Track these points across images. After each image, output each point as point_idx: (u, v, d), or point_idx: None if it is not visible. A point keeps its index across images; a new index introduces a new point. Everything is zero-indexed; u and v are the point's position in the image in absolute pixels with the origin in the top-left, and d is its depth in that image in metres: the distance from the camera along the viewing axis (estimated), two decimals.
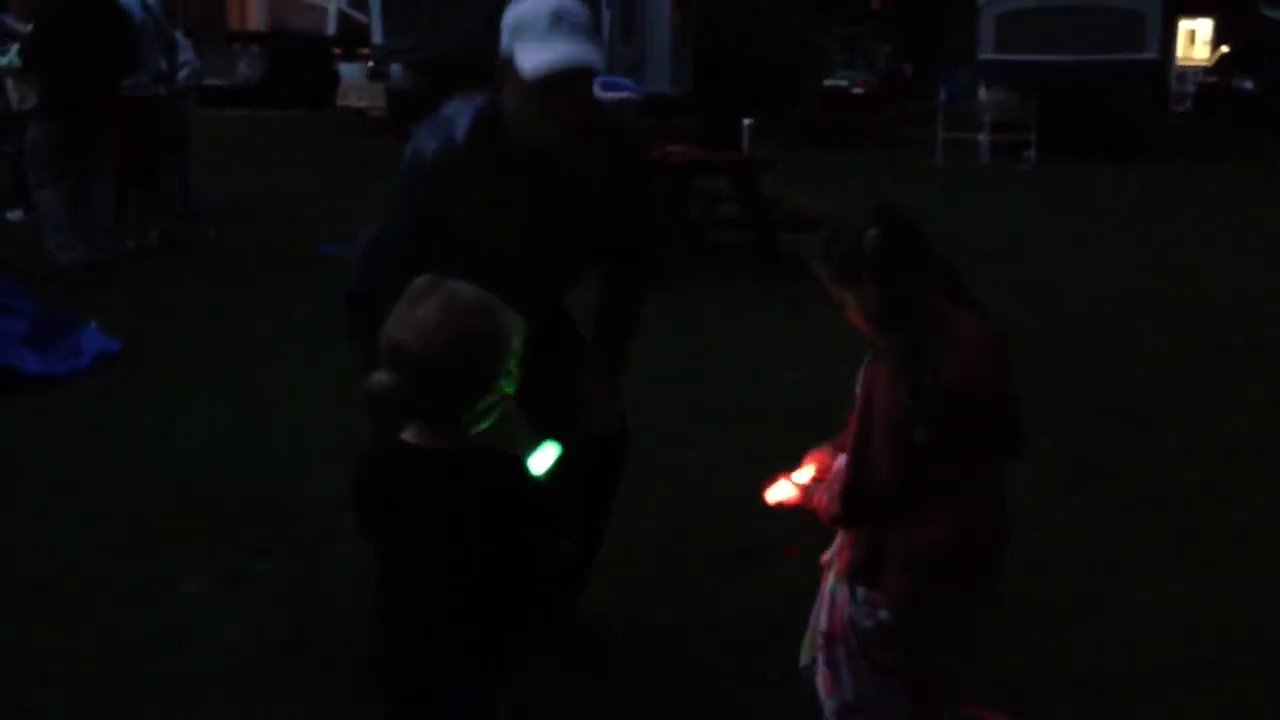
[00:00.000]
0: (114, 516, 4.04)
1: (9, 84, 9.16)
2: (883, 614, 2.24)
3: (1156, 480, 4.52)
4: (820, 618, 2.38)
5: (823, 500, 2.28)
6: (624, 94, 16.36)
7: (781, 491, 2.42)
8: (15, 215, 9.28)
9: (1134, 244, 9.88)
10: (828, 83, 19.09)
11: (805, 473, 2.41)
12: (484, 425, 2.02)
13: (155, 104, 8.45)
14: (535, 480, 2.11)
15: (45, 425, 5.00)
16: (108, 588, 3.55)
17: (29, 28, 8.49)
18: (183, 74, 9.01)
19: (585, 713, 2.98)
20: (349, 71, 20.09)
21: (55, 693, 3.00)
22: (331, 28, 22.32)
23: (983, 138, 15.97)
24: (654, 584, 3.60)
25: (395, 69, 16.99)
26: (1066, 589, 3.63)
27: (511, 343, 2.01)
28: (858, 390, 2.24)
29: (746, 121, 9.11)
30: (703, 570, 3.74)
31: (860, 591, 2.27)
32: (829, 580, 2.37)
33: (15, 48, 9.04)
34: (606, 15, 15.35)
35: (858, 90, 19.00)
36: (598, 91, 3.24)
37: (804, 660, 2.45)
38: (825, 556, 2.39)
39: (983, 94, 16.59)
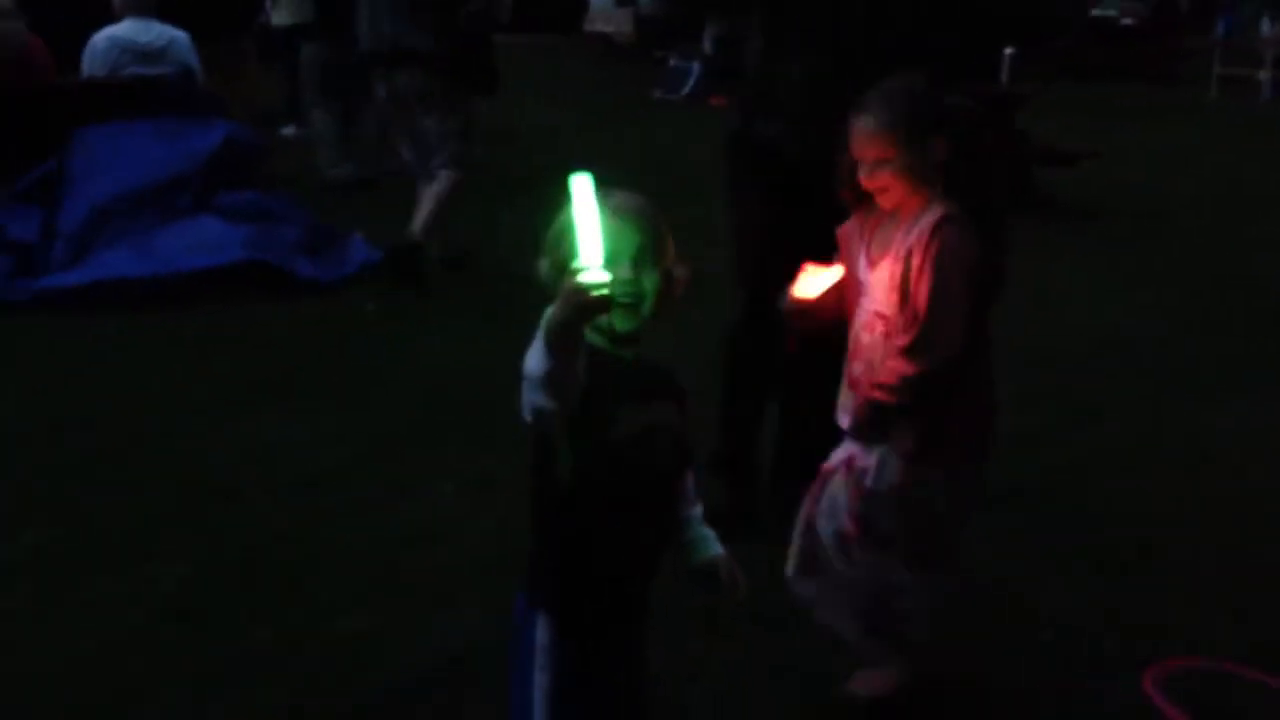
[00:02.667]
0: (374, 420, 4.29)
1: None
2: (928, 487, 2.40)
3: None
4: (830, 520, 2.50)
5: (890, 370, 2.36)
6: None
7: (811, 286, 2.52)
8: (289, 131, 9.85)
9: None
10: (1095, 13, 18.03)
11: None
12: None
13: None
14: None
15: (316, 334, 5.33)
16: (368, 486, 3.78)
17: None
18: None
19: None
20: None
21: (323, 577, 3.23)
22: None
23: (1264, 74, 14.82)
24: None
25: None
26: None
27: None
28: (913, 254, 2.33)
29: (1007, 51, 8.70)
30: None
31: (890, 474, 2.38)
32: (833, 484, 2.49)
33: None
34: None
35: (1127, 21, 17.86)
36: None
37: (790, 570, 2.59)
38: (829, 465, 2.50)
39: (1266, 27, 15.34)
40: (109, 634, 2.94)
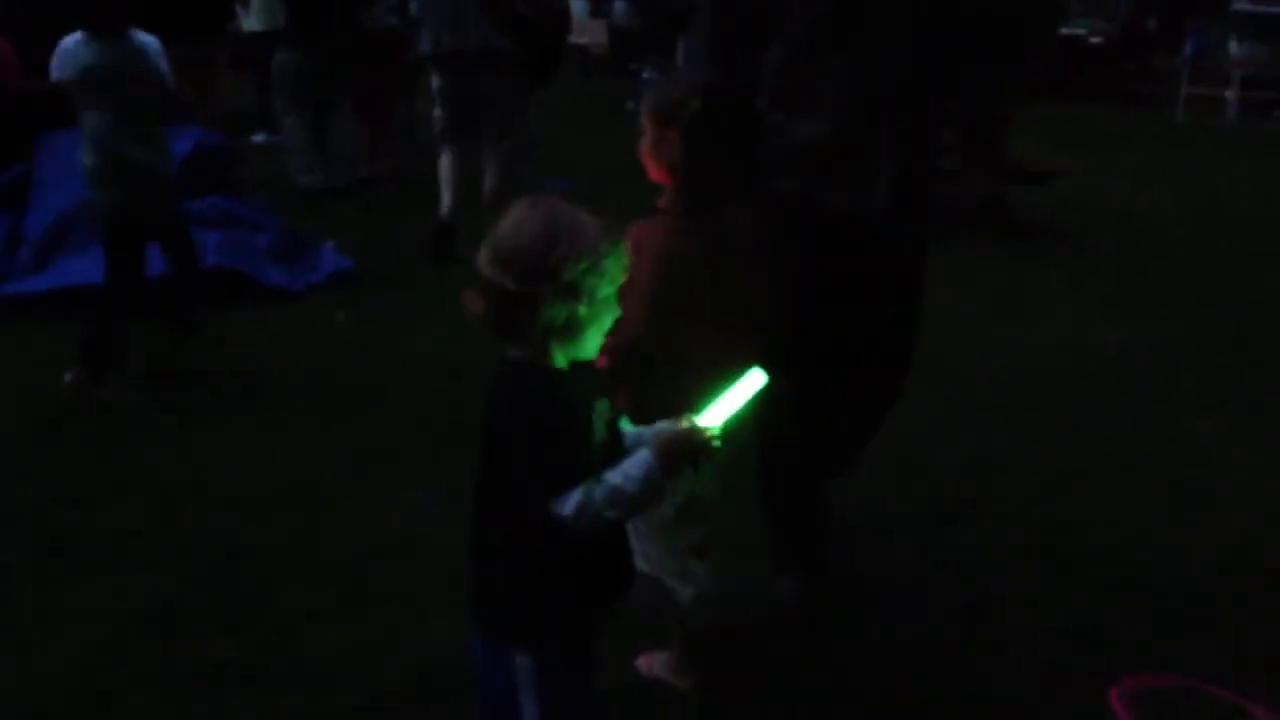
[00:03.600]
0: (346, 430, 4.27)
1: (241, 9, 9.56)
2: None
3: None
4: None
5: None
6: None
7: None
8: (260, 138, 9.79)
9: None
10: (1063, 32, 18.16)
11: None
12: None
13: (390, 36, 8.72)
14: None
15: (286, 342, 5.30)
16: (337, 497, 3.76)
17: None
18: (415, 6, 9.23)
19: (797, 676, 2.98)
20: (571, 7, 20.26)
21: (293, 589, 3.21)
22: None
23: (1231, 95, 14.97)
24: (863, 541, 3.57)
25: (618, 5, 17.04)
26: None
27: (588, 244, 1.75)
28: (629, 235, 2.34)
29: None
30: (912, 528, 3.69)
31: None
32: None
33: None
34: None
35: (1095, 40, 18.01)
36: None
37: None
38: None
39: (1234, 48, 15.50)
40: (79, 643, 2.93)
